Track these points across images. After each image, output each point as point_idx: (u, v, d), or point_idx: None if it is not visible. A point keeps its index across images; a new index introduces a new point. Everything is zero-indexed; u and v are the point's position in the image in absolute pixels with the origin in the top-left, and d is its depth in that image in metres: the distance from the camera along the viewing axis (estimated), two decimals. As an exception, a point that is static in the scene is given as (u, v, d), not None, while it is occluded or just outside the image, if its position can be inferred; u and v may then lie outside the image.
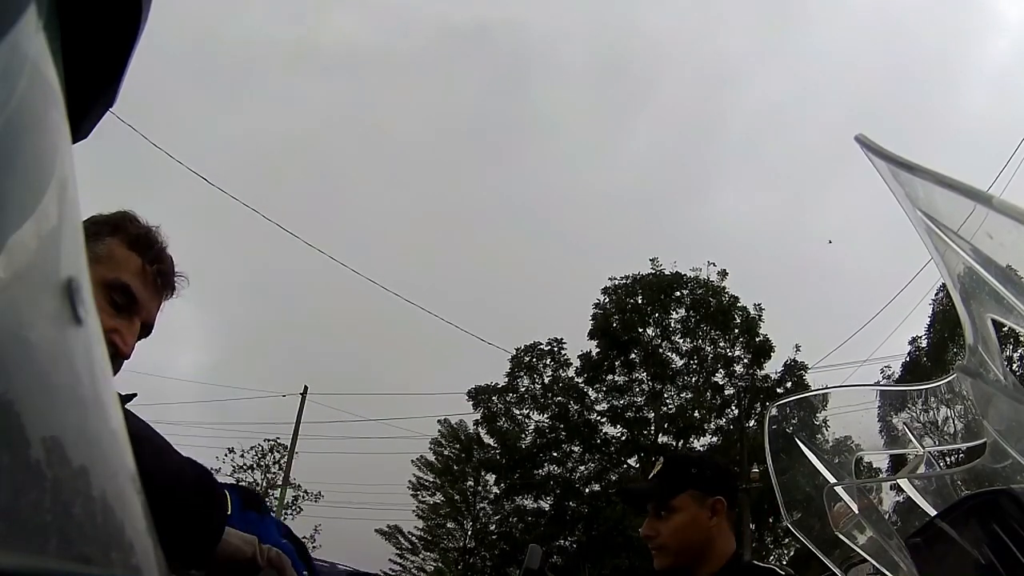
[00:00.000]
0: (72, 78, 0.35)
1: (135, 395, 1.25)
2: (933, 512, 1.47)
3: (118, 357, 1.14)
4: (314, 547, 27.22)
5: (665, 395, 25.46)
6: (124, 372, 1.22)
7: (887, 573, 1.51)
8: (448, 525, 30.05)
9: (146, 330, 1.24)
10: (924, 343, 23.47)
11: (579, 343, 26.33)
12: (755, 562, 1.88)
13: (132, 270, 1.19)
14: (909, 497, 1.61)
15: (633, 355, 25.63)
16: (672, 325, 25.82)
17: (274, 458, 26.81)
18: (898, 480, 1.87)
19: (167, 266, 1.25)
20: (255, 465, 26.71)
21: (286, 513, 25.24)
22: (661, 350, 25.59)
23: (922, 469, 1.80)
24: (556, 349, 26.91)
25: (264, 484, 26.48)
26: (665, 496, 1.85)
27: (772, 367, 24.99)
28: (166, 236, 1.28)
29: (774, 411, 2.08)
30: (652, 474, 1.95)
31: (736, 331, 25.28)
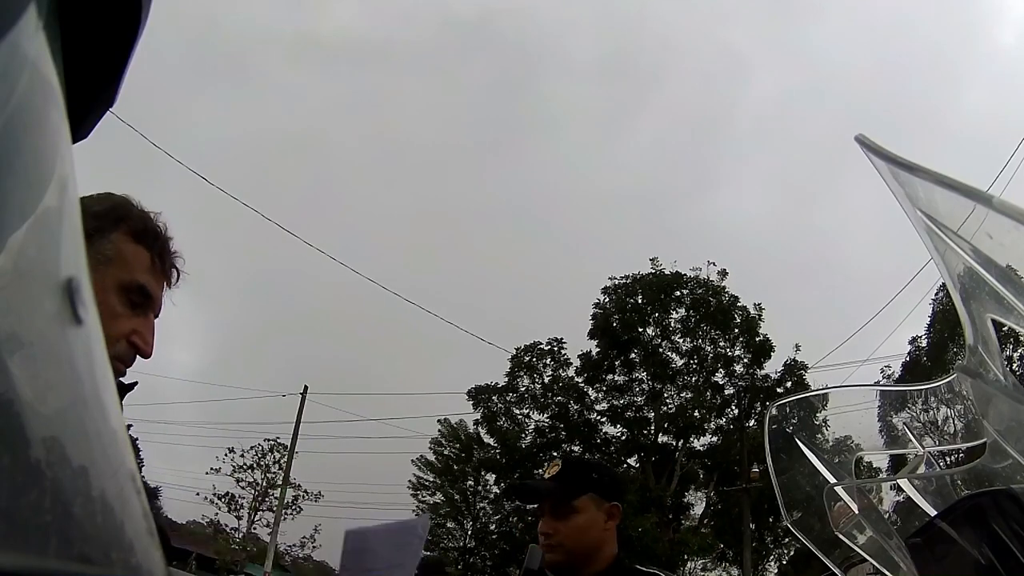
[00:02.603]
0: (72, 78, 0.35)
1: (136, 383, 1.23)
2: (933, 512, 1.47)
3: (136, 358, 1.13)
4: (314, 547, 27.33)
5: (665, 395, 25.46)
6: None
7: (887, 573, 1.51)
8: (448, 525, 30.07)
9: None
10: (924, 343, 23.47)
11: (579, 343, 26.38)
12: (637, 566, 1.97)
13: (144, 267, 1.17)
14: (909, 497, 1.61)
15: (633, 355, 25.62)
16: (672, 325, 25.83)
17: (274, 458, 26.85)
18: (898, 480, 1.87)
19: (173, 256, 1.24)
20: (255, 465, 26.74)
21: (286, 513, 25.26)
22: (661, 350, 25.58)
23: (922, 469, 1.80)
24: (556, 349, 26.92)
25: (264, 484, 26.53)
26: (568, 496, 1.91)
27: (772, 367, 25.04)
28: (165, 222, 1.25)
29: (774, 411, 2.08)
30: (551, 475, 1.99)
31: (736, 331, 25.27)
